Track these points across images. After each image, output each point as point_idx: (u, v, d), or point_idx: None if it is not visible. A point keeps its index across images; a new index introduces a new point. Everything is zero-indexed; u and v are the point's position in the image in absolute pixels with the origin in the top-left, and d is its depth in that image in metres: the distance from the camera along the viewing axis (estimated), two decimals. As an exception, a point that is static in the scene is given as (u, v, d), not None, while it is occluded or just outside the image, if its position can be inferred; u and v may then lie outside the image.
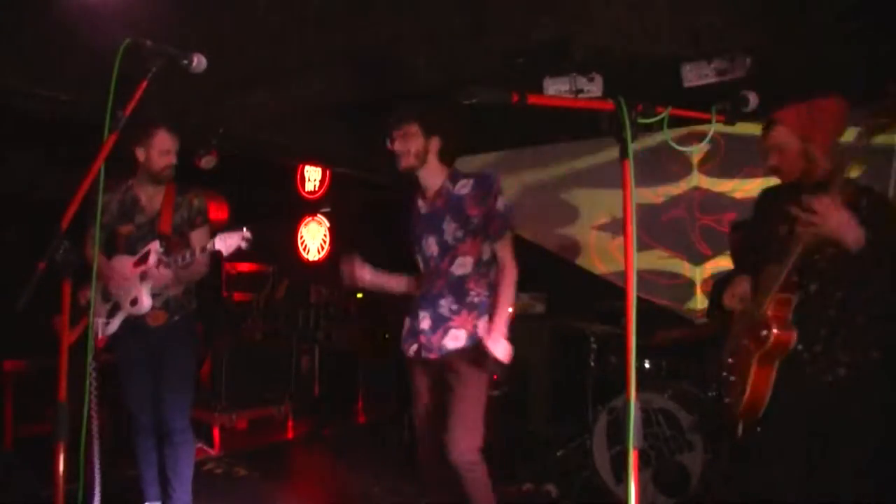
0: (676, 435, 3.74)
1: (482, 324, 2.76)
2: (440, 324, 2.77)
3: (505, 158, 6.14)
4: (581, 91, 4.21)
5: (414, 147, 2.76)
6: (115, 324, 3.27)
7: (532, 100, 1.62)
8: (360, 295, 6.91)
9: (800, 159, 2.46)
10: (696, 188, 5.27)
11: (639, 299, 1.47)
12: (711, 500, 3.65)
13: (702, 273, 5.22)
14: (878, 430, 2.34)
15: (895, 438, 2.36)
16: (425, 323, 2.79)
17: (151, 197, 3.38)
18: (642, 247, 5.31)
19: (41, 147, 5.06)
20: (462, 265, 2.77)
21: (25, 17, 3.53)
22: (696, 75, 3.95)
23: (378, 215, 6.29)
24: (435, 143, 2.80)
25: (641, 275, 5.23)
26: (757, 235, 2.68)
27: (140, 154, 3.29)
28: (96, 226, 2.64)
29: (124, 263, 3.28)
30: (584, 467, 4.21)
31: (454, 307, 2.77)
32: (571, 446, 4.52)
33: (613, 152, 1.58)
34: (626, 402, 1.47)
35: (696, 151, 5.13)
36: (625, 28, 3.86)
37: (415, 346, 2.83)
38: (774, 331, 2.35)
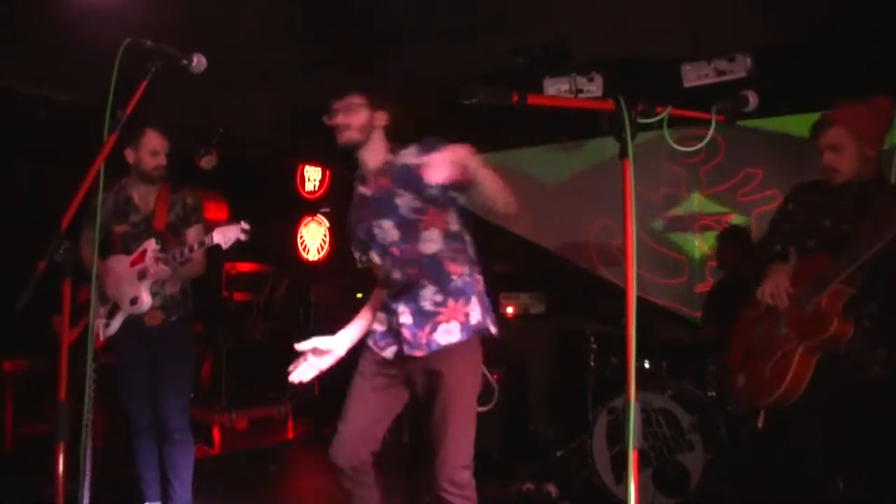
0: (676, 435, 3.74)
1: (474, 310, 2.40)
2: (425, 319, 2.39)
3: (505, 158, 6.14)
4: (581, 91, 4.21)
5: (357, 120, 2.44)
6: (115, 325, 3.27)
7: (532, 100, 1.62)
8: (359, 295, 6.91)
9: (856, 160, 2.46)
10: (696, 188, 5.27)
11: (639, 299, 1.47)
12: (711, 500, 3.66)
13: (701, 273, 5.22)
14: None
15: None
16: (406, 317, 2.41)
17: (145, 196, 3.38)
18: (642, 246, 5.31)
19: (41, 147, 5.07)
20: (430, 240, 2.41)
21: (25, 17, 3.53)
22: (696, 75, 3.95)
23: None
24: (381, 118, 2.50)
25: (641, 275, 5.23)
26: (793, 228, 2.66)
27: (129, 155, 3.29)
28: (95, 226, 2.64)
29: (121, 262, 3.28)
30: (584, 467, 4.21)
31: (438, 298, 2.39)
32: (571, 446, 4.52)
33: (613, 152, 1.58)
34: (626, 402, 1.47)
35: (696, 151, 5.13)
36: (625, 28, 3.86)
37: (393, 348, 2.46)
38: (835, 322, 2.34)
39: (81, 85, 4.08)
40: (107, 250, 3.36)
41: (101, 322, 3.25)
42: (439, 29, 3.89)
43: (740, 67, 3.84)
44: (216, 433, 5.38)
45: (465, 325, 2.38)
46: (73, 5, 3.40)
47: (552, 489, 4.13)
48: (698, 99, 2.31)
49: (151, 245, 3.21)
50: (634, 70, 4.15)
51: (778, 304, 2.53)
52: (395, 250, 2.46)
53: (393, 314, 2.46)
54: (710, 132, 1.83)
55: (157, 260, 3.14)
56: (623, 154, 1.56)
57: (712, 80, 3.92)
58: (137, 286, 3.20)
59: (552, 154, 5.96)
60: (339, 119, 2.44)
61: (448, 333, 2.37)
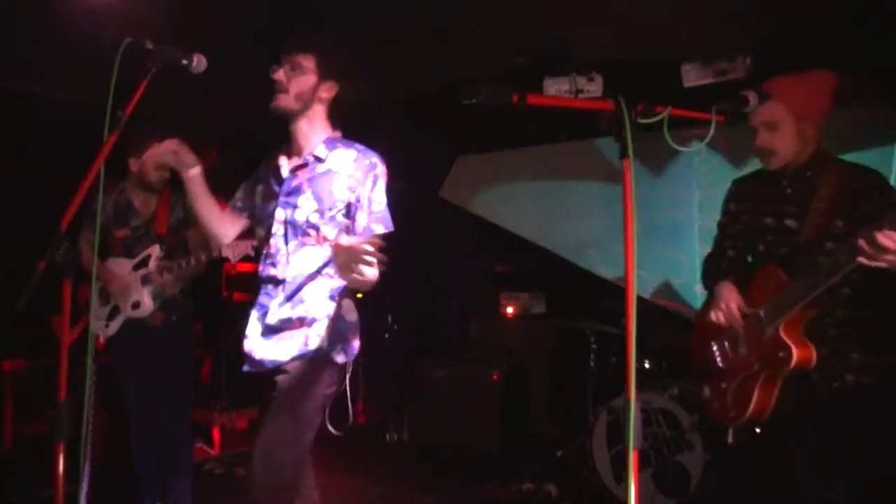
0: (676, 435, 3.73)
1: (316, 337, 2.13)
2: (269, 334, 2.16)
3: (505, 158, 6.14)
4: (581, 91, 4.22)
5: (299, 85, 2.12)
6: (115, 326, 3.28)
7: (532, 100, 1.62)
8: (359, 295, 6.93)
9: (795, 140, 2.26)
10: (696, 188, 5.27)
11: (639, 299, 1.46)
12: (712, 501, 3.66)
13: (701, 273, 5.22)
14: (887, 440, 2.23)
15: None
16: (253, 329, 2.20)
17: (145, 201, 3.40)
18: (642, 246, 5.31)
19: (41, 147, 5.06)
20: (307, 260, 2.14)
21: (25, 17, 3.53)
22: (695, 75, 3.96)
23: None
24: (328, 90, 2.18)
25: (641, 275, 5.23)
26: (741, 230, 2.50)
27: (133, 165, 3.30)
28: (96, 228, 2.64)
29: (122, 266, 3.29)
30: (584, 467, 4.21)
31: (285, 316, 2.14)
32: (571, 446, 4.52)
33: (613, 152, 1.58)
34: (626, 402, 1.46)
35: (696, 152, 5.13)
36: (625, 28, 3.86)
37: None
38: (795, 354, 2.16)
39: (81, 85, 4.08)
40: (106, 253, 3.37)
41: (100, 323, 3.27)
42: (440, 28, 3.89)
43: (740, 67, 3.85)
44: (216, 433, 5.37)
45: (300, 346, 2.13)
46: (73, 5, 3.40)
47: (552, 489, 4.13)
48: (699, 99, 2.31)
49: (156, 252, 3.24)
50: (634, 70, 4.15)
51: (734, 327, 2.38)
52: (272, 246, 2.19)
53: (246, 322, 2.23)
54: (710, 132, 1.82)
55: (161, 270, 3.17)
56: (623, 154, 1.55)
57: (712, 80, 3.92)
58: (140, 291, 3.22)
59: (553, 154, 5.96)
60: (279, 76, 2.12)
61: (281, 353, 2.14)
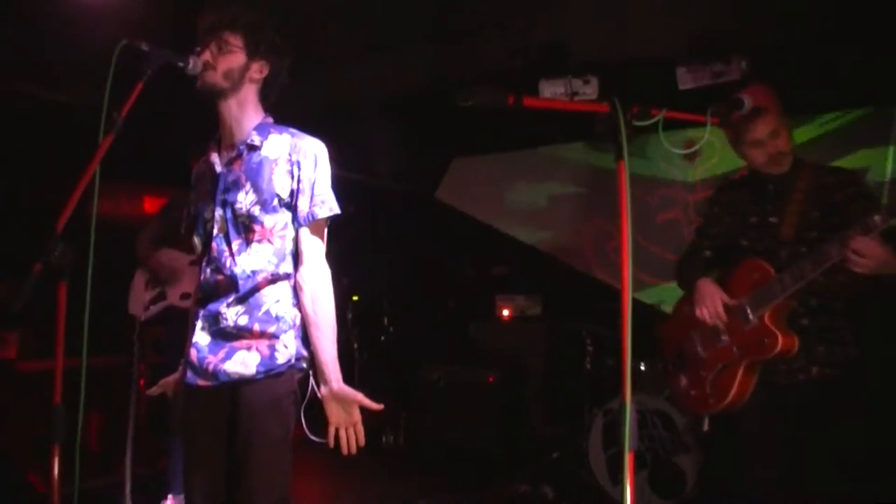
0: (672, 436, 3.74)
1: (283, 346, 1.98)
2: (222, 342, 1.98)
3: (502, 160, 6.14)
4: (577, 93, 4.22)
5: (226, 63, 2.00)
6: (155, 311, 3.38)
7: (528, 102, 1.62)
8: (355, 297, 6.93)
9: (790, 143, 2.43)
10: (692, 190, 5.28)
11: (634, 301, 1.47)
12: (707, 502, 3.66)
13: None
14: (852, 429, 2.28)
15: (873, 438, 2.34)
16: (201, 335, 2.01)
17: None
18: (637, 248, 5.32)
19: (41, 147, 5.06)
20: (255, 256, 1.98)
21: (22, 17, 3.52)
22: (691, 78, 3.97)
23: (377, 216, 6.29)
24: (258, 70, 2.06)
25: (637, 276, 5.24)
26: (721, 231, 2.60)
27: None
28: (92, 229, 2.64)
29: (179, 258, 3.37)
30: (580, 469, 4.21)
31: (242, 321, 1.97)
32: (567, 448, 4.52)
33: (609, 154, 1.58)
34: (622, 404, 1.47)
35: (692, 153, 5.15)
36: (621, 30, 3.87)
37: (187, 371, 2.03)
38: (780, 341, 2.27)
39: (81, 85, 4.08)
40: (166, 242, 3.49)
41: (143, 304, 3.37)
42: (437, 30, 3.90)
43: (735, 70, 3.86)
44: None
45: (266, 359, 1.96)
46: (73, 5, 3.40)
47: (548, 491, 4.13)
48: (696, 101, 2.32)
49: None
50: (630, 72, 4.16)
51: (718, 324, 2.46)
52: (214, 248, 2.02)
53: (192, 330, 2.05)
54: (706, 135, 1.83)
55: None
56: (619, 156, 1.56)
57: (708, 82, 3.94)
58: (193, 284, 3.32)
59: (548, 156, 5.97)
60: (207, 56, 1.99)
61: (243, 365, 1.96)
